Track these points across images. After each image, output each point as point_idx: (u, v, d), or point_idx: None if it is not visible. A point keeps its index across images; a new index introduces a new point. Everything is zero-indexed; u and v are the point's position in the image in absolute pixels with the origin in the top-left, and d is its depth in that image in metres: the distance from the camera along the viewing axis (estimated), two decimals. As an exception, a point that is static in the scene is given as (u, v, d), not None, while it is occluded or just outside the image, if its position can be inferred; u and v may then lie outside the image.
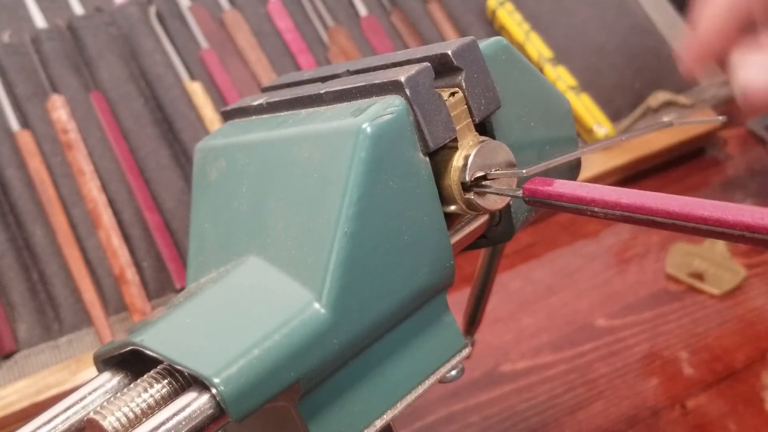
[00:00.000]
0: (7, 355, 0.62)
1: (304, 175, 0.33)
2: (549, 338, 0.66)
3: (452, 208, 0.34)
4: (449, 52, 0.33)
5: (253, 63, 0.75)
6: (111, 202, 0.68)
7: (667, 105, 0.79)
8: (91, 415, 0.29)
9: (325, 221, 0.31)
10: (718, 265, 0.67)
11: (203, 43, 0.76)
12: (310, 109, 0.36)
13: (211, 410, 0.29)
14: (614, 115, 0.78)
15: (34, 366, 0.62)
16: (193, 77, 0.74)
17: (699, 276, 0.67)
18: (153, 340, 0.31)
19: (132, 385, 0.30)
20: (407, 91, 0.32)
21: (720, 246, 0.69)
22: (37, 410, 0.32)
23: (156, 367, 0.31)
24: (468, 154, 0.32)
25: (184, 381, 0.31)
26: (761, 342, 0.64)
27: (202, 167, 0.40)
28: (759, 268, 0.70)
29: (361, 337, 0.32)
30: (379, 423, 0.33)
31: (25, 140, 0.68)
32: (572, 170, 0.39)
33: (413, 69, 0.32)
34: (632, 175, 0.78)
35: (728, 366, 0.63)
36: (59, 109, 0.70)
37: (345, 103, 0.34)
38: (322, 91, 0.35)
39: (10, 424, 0.60)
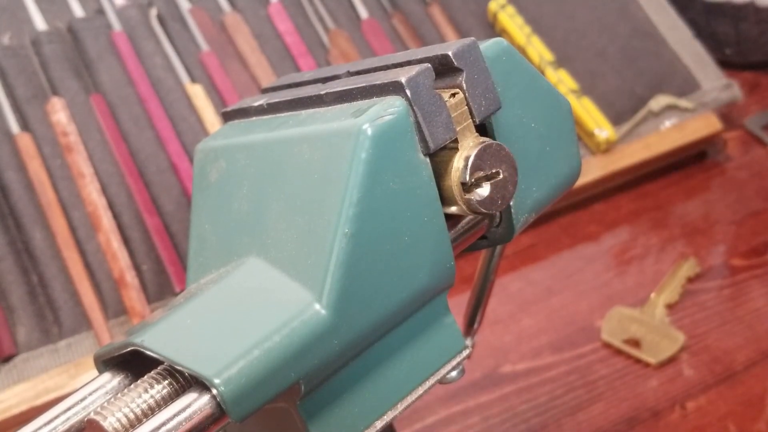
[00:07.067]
0: (6, 359, 0.62)
1: (304, 176, 0.33)
2: (549, 339, 0.66)
3: (453, 209, 0.34)
4: (450, 53, 0.33)
5: (253, 66, 0.75)
6: (111, 205, 0.68)
7: (669, 108, 0.79)
8: (92, 415, 0.29)
9: (325, 222, 0.31)
10: (656, 331, 0.65)
11: (204, 45, 0.76)
12: (311, 110, 0.36)
13: (212, 411, 0.29)
14: (615, 118, 0.78)
15: (33, 370, 0.62)
16: (193, 80, 0.74)
17: (635, 343, 0.64)
18: (153, 341, 0.31)
19: (132, 386, 0.30)
20: (408, 92, 0.32)
21: (659, 310, 0.66)
22: (36, 414, 0.32)
23: (156, 368, 0.31)
24: (468, 155, 0.32)
25: (184, 382, 0.31)
26: (761, 343, 0.64)
27: (202, 168, 0.40)
28: (759, 269, 0.70)
29: (362, 337, 0.32)
30: (379, 424, 0.33)
31: (25, 143, 0.68)
32: (571, 175, 0.39)
33: (414, 70, 0.32)
34: (633, 179, 0.78)
35: (728, 367, 0.62)
36: (59, 112, 0.70)
37: (345, 104, 0.34)
38: (322, 92, 0.35)
39: (8, 428, 0.60)
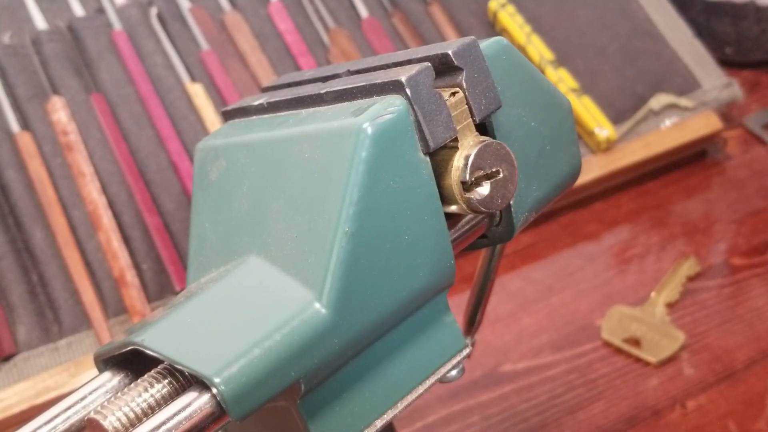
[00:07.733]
0: (7, 358, 0.62)
1: (304, 175, 0.33)
2: (549, 338, 0.66)
3: (453, 208, 0.34)
4: (450, 52, 0.33)
5: (253, 65, 0.75)
6: (111, 204, 0.68)
7: (669, 107, 0.79)
8: (92, 414, 0.29)
9: (325, 221, 0.31)
10: (656, 329, 0.64)
11: (204, 44, 0.76)
12: (311, 109, 0.36)
13: (212, 410, 0.29)
14: (616, 117, 0.78)
15: (33, 368, 0.62)
16: (193, 79, 0.74)
17: (636, 341, 0.64)
18: (154, 340, 0.31)
19: (132, 385, 0.30)
20: (408, 91, 0.32)
21: (660, 309, 0.66)
22: (37, 413, 0.32)
23: (156, 367, 0.31)
24: (468, 154, 0.32)
25: (184, 381, 0.31)
26: (762, 342, 0.64)
27: (202, 167, 0.40)
28: (759, 268, 0.70)
29: (362, 336, 0.32)
30: (379, 423, 0.33)
31: (25, 142, 0.68)
32: (571, 174, 0.39)
33: (414, 69, 0.32)
34: (633, 177, 0.78)
35: (728, 366, 0.62)
36: (59, 111, 0.70)
37: (345, 103, 0.34)
38: (322, 91, 0.35)
39: (9, 427, 0.60)
